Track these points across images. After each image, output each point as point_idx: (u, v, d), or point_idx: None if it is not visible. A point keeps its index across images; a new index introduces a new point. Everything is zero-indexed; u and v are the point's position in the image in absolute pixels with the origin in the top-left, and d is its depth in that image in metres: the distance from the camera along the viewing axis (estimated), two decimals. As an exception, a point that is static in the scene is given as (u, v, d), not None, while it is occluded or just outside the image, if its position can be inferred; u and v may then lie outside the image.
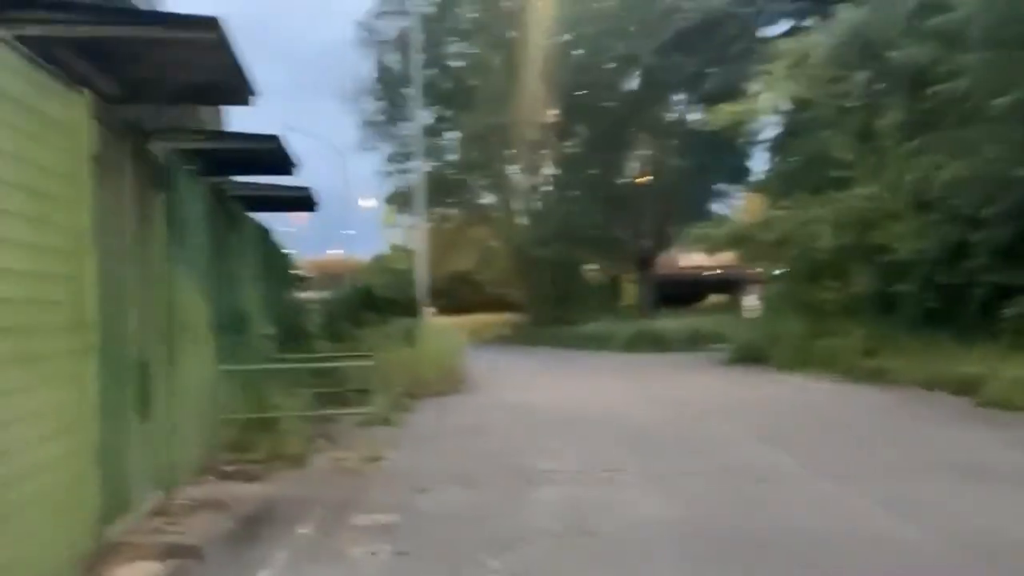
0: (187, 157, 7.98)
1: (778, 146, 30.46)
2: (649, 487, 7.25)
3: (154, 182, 6.63)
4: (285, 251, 14.37)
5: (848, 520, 6.17)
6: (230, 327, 9.33)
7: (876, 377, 16.65)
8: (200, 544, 5.70)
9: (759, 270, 29.91)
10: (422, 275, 17.52)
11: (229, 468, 8.19)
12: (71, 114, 5.11)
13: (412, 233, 19.20)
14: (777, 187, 26.02)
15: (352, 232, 55.82)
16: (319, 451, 8.93)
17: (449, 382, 15.01)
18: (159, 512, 6.43)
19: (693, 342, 28.85)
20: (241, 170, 9.87)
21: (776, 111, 22.27)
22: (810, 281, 20.60)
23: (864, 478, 7.56)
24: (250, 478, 7.89)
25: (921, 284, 17.17)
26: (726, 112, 21.11)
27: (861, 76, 19.14)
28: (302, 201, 11.84)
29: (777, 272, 22.35)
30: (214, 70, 6.33)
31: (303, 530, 6.07)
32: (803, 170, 23.55)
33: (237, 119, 15.27)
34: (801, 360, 19.80)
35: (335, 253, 58.71)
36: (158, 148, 6.81)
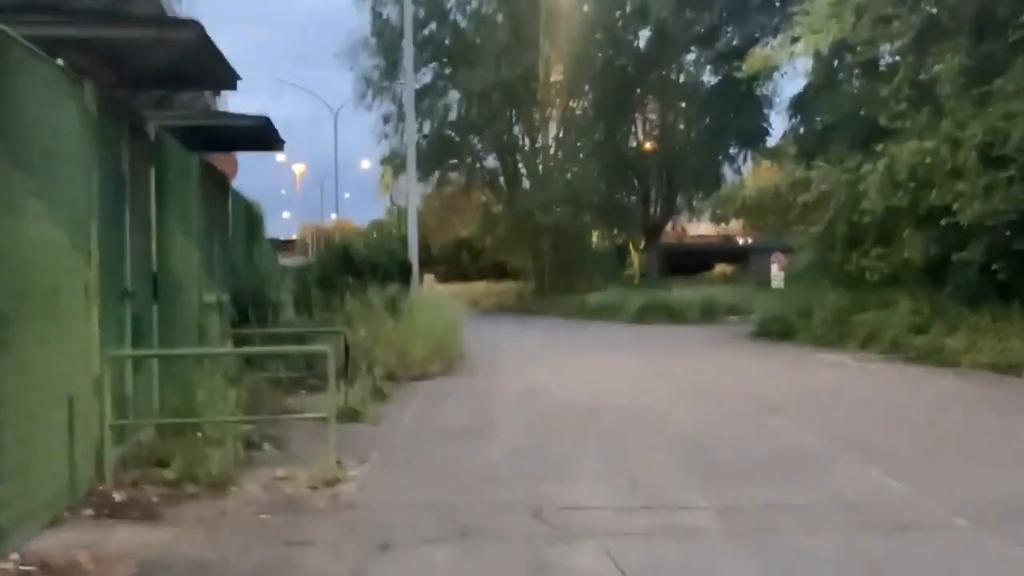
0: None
1: (804, 103, 27.72)
2: (733, 542, 4.63)
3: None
4: (249, 203, 11.65)
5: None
6: (142, 294, 6.68)
7: (930, 357, 14.08)
8: None
9: (780, 238, 27.30)
10: (414, 237, 14.75)
11: (121, 496, 5.57)
12: None
13: (401, 191, 16.29)
14: (805, 146, 23.34)
15: (347, 196, 53.00)
16: (256, 465, 6.30)
17: (442, 361, 12.38)
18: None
19: (708, 314, 26.32)
20: (163, 83, 7.16)
21: (815, 56, 19.32)
22: (849, 248, 17.91)
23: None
24: (144, 515, 5.26)
25: (988, 251, 14.47)
26: (759, 58, 18.27)
27: (916, 15, 16.40)
28: (259, 135, 9.11)
29: (807, 238, 19.59)
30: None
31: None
32: (838, 126, 20.85)
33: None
34: (838, 336, 17.21)
35: (333, 219, 56.10)
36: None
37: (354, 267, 12.63)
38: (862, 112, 19.56)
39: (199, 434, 5.99)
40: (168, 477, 5.83)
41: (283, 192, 56.14)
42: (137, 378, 6.57)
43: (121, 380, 6.12)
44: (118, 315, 6.15)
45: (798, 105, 28.12)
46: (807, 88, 26.74)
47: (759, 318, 20.67)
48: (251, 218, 11.49)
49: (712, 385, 11.51)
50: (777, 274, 21.73)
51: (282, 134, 9.10)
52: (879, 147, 16.23)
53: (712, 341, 19.35)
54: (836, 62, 21.88)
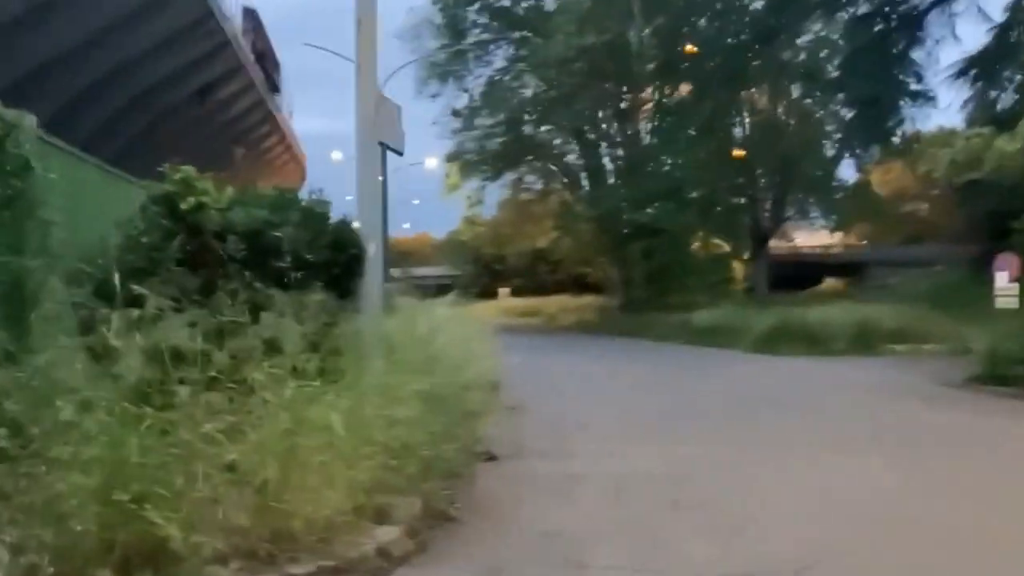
0: None
1: (988, 60, 18.91)
2: None
3: None
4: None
5: None
6: None
7: None
8: None
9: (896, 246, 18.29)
10: (374, 201, 5.58)
11: None
12: None
13: (384, 126, 7.24)
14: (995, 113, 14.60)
15: (417, 202, 45.27)
16: None
17: (422, 498, 4.20)
18: None
19: (861, 341, 17.35)
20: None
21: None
22: None
23: None
24: None
25: None
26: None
27: None
28: None
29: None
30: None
31: None
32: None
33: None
34: None
35: (406, 228, 48.75)
36: None
37: (208, 249, 4.39)
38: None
39: None
40: None
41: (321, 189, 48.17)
42: None
43: None
44: None
45: (979, 64, 19.26)
46: (998, 38, 17.95)
47: (984, 354, 11.81)
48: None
49: None
50: (1007, 287, 12.90)
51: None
52: None
53: (921, 394, 10.81)
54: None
